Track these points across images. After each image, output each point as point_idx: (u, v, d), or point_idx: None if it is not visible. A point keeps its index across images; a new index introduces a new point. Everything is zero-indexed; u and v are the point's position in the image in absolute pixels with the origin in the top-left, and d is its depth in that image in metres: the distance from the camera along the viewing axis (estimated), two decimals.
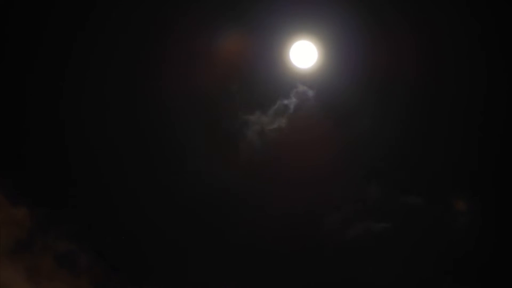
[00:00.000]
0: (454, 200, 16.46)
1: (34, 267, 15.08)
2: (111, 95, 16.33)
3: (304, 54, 16.15)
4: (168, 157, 16.55)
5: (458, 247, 16.05)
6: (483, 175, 16.45)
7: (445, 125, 16.61)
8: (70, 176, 16.18)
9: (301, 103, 16.37)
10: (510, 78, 16.28)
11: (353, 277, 15.82)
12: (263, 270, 15.83)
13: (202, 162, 16.37)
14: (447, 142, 16.52)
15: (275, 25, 15.97)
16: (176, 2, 15.90)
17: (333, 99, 16.22)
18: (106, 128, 16.22)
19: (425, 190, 16.47)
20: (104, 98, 16.31)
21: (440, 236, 16.24)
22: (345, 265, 16.03)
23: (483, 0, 15.97)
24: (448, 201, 16.46)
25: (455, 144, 16.46)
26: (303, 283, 15.89)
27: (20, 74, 16.19)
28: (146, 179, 16.27)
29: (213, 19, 15.90)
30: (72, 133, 16.28)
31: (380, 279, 15.79)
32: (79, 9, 15.97)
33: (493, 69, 16.30)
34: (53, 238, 15.36)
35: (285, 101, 16.36)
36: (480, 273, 15.76)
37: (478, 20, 16.04)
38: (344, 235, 16.21)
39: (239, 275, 15.70)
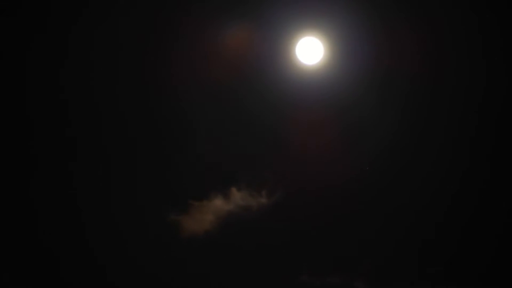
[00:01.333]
0: None
1: None
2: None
3: (310, 50, 16.12)
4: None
5: None
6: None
7: (441, 128, 16.67)
8: None
9: None
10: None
11: None
12: None
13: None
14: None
15: (281, 21, 15.92)
16: None
17: (338, 95, 16.18)
18: None
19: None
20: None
21: None
22: None
23: None
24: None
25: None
26: None
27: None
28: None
29: (219, 15, 15.80)
30: None
31: None
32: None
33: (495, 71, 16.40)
34: None
35: None
36: None
37: (482, 16, 16.17)
38: None
39: None
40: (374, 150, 16.45)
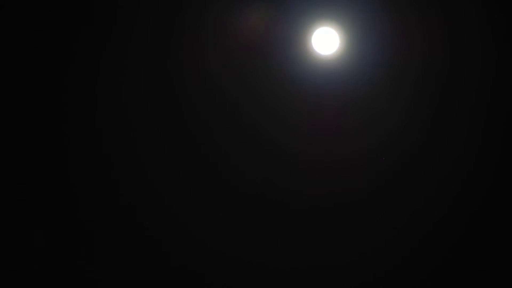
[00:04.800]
0: None
1: None
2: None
3: (326, 40, 15.84)
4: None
5: None
6: None
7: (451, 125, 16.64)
8: None
9: None
10: None
11: None
12: None
13: None
14: None
15: (297, 10, 15.59)
16: None
17: (354, 88, 15.96)
18: None
19: None
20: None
21: None
22: None
23: None
24: None
25: None
26: None
27: None
28: None
29: (236, 2, 15.36)
30: None
31: None
32: None
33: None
34: None
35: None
36: None
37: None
38: None
39: None
40: (387, 140, 16.39)
